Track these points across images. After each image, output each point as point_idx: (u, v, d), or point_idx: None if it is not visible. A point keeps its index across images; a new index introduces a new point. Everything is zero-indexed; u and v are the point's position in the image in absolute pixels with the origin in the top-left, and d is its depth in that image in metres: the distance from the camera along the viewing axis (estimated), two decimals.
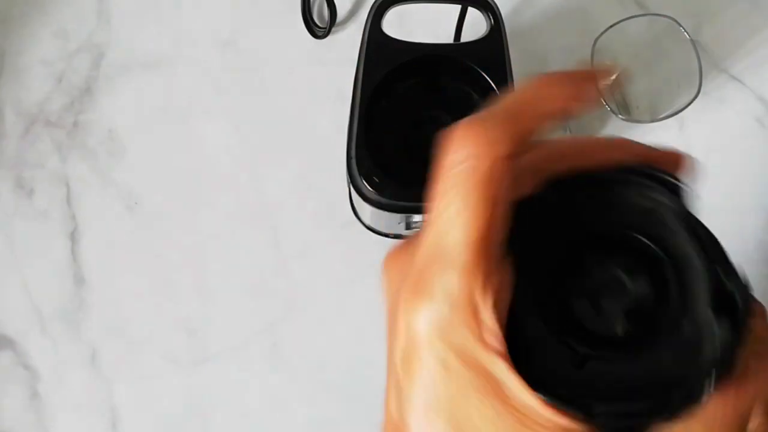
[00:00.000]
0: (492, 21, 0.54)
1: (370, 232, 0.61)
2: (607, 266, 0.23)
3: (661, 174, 0.24)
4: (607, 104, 0.55)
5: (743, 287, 0.23)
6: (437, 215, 0.22)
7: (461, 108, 0.51)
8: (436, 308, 0.21)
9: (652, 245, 0.23)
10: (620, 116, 0.56)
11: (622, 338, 0.23)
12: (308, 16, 0.65)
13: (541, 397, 0.21)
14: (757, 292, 0.32)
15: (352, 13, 0.66)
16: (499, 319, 0.21)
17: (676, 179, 0.24)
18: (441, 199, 0.22)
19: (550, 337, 0.22)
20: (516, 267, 0.22)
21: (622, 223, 0.23)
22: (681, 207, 0.24)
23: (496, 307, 0.21)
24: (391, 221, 0.55)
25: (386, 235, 0.61)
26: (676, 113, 0.56)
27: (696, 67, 0.59)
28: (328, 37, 0.65)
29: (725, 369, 0.22)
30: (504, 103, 0.22)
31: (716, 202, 0.61)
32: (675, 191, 0.24)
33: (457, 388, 0.21)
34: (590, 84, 0.23)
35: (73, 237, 0.62)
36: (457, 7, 0.56)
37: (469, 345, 0.21)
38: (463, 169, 0.21)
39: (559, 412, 0.21)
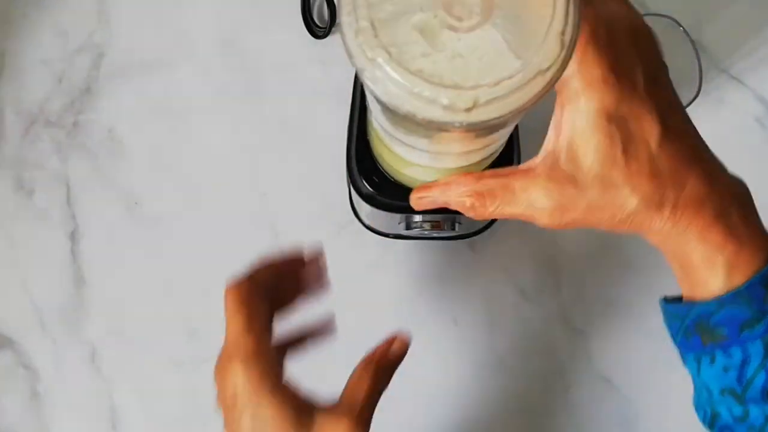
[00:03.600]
0: None
1: (370, 232, 0.61)
2: None
3: None
4: None
5: None
6: (226, 330, 0.43)
7: None
8: (238, 365, 0.41)
9: None
10: None
11: None
12: (308, 16, 0.65)
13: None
14: None
15: None
16: (274, 358, 0.42)
17: None
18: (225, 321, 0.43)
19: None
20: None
21: None
22: None
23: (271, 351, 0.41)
24: (391, 221, 0.55)
25: (386, 235, 0.61)
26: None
27: (696, 67, 0.59)
28: (328, 37, 0.65)
29: None
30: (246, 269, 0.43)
31: None
32: None
33: (260, 397, 0.40)
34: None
35: (73, 237, 0.62)
36: None
37: (264, 372, 0.40)
38: (224, 301, 0.43)
39: None
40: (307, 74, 0.65)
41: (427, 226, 0.54)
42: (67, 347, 0.60)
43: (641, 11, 0.64)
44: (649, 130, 0.33)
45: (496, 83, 0.27)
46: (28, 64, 0.65)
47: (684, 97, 0.58)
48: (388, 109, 0.29)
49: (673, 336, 0.38)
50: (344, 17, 0.28)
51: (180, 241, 0.61)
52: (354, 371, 0.43)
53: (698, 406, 0.38)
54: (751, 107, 0.63)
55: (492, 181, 0.35)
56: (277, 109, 0.64)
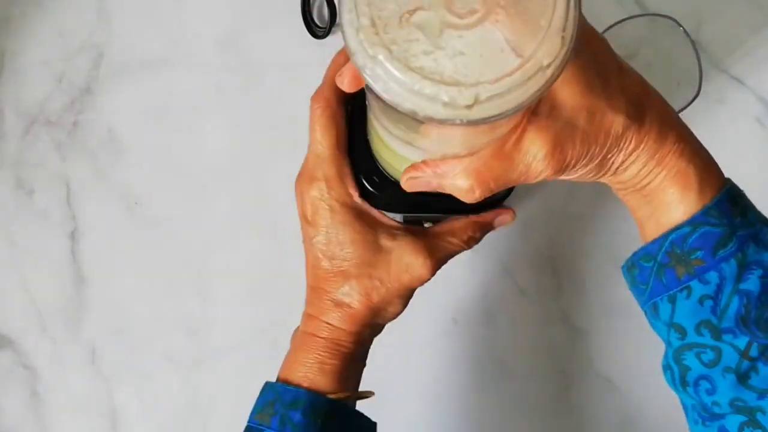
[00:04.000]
0: None
1: None
2: None
3: None
4: None
5: None
6: (311, 143, 0.43)
7: None
8: (320, 184, 0.42)
9: None
10: None
11: None
12: (308, 16, 0.65)
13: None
14: None
15: None
16: (353, 183, 0.43)
17: None
18: (311, 133, 0.43)
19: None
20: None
21: None
22: None
23: (351, 176, 0.43)
24: None
25: None
26: (677, 113, 0.56)
27: (696, 67, 0.59)
28: (328, 37, 0.65)
29: None
30: (324, 78, 0.45)
31: None
32: None
33: (338, 218, 0.42)
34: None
35: (73, 237, 0.62)
36: None
37: (343, 195, 0.43)
38: (313, 114, 0.43)
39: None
40: (306, 74, 0.65)
41: (427, 226, 0.54)
42: (67, 347, 0.60)
43: (641, 11, 0.64)
44: (607, 58, 0.35)
45: (497, 80, 0.27)
46: (28, 64, 0.65)
47: (684, 97, 0.58)
48: (388, 107, 0.29)
49: (642, 287, 0.38)
50: (345, 14, 0.28)
51: (180, 241, 0.61)
52: (458, 221, 0.43)
53: (665, 366, 0.38)
54: (751, 107, 0.63)
55: (482, 153, 0.35)
56: (276, 109, 0.64)
